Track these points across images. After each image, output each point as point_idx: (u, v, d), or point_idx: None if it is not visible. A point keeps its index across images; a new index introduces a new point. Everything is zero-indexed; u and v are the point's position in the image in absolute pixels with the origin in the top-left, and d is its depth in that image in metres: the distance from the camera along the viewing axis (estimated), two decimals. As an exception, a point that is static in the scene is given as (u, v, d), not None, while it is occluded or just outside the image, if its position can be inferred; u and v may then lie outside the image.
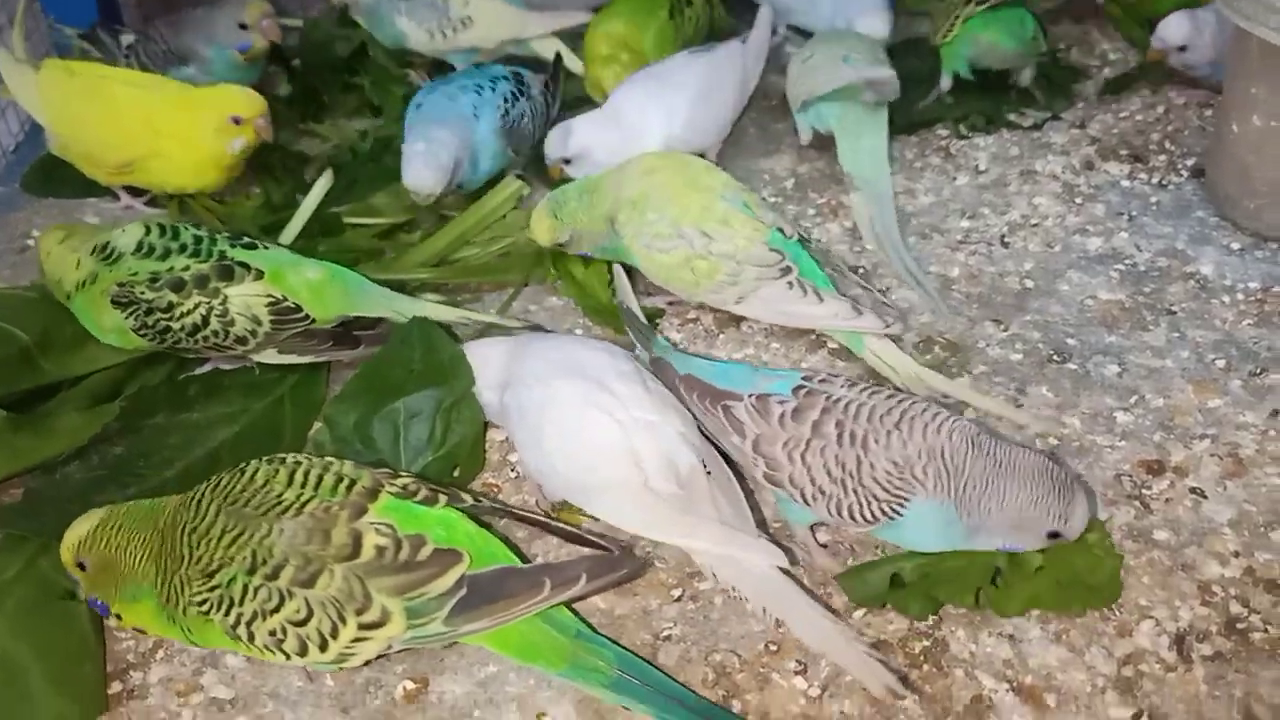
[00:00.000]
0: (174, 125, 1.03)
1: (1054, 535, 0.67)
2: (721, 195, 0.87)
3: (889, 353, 0.85)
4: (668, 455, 0.72)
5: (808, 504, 0.70)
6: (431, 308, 0.90)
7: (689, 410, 0.77)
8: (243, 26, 1.21)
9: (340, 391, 0.85)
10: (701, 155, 1.06)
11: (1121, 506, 0.76)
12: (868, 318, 0.84)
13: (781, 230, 0.87)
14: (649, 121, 1.08)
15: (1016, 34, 1.17)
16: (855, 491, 0.68)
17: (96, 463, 0.82)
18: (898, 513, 0.68)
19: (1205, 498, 0.76)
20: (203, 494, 0.67)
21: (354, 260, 0.99)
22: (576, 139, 1.07)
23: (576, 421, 0.73)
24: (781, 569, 0.69)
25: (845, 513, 0.69)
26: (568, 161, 1.08)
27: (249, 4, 1.21)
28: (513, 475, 0.82)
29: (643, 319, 0.88)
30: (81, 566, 0.67)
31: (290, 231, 1.05)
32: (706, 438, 0.76)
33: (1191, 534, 0.74)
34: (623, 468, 0.71)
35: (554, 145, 1.09)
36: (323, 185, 1.09)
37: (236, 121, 1.03)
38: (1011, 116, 1.20)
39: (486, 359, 0.82)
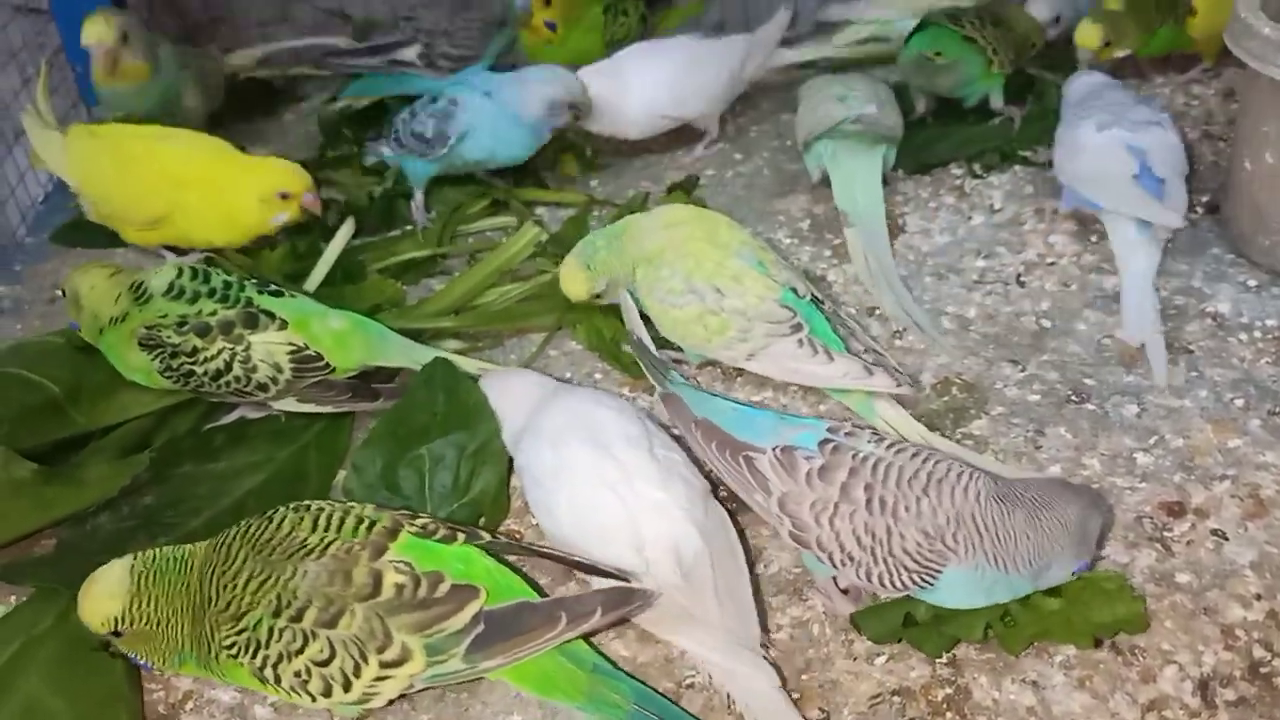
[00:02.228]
0: (217, 185, 1.04)
1: (1099, 528, 0.69)
2: (736, 252, 0.89)
3: (897, 418, 0.86)
4: (672, 539, 0.71)
5: (835, 567, 0.70)
6: (452, 359, 0.91)
7: (703, 458, 0.76)
8: None
9: (366, 437, 0.86)
10: (687, 124, 1.25)
11: (1143, 549, 0.76)
12: (879, 377, 0.84)
13: (794, 289, 0.88)
14: (635, 81, 1.21)
15: (917, 51, 1.21)
16: (885, 560, 0.68)
17: (126, 513, 0.83)
18: (929, 582, 0.68)
19: (1226, 539, 0.76)
20: (231, 539, 0.68)
21: (376, 307, 1.01)
22: (591, 88, 1.18)
23: (586, 498, 0.74)
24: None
25: (875, 579, 0.69)
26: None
27: None
28: (534, 522, 0.82)
29: (655, 351, 0.88)
30: (116, 633, 0.67)
31: (314, 279, 1.07)
32: (711, 483, 0.76)
33: (1214, 577, 0.74)
34: (627, 554, 0.71)
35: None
36: (345, 233, 1.11)
37: (284, 197, 1.04)
38: (1025, 153, 1.21)
39: (513, 400, 0.83)
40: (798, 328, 0.86)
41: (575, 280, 0.93)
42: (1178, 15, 1.24)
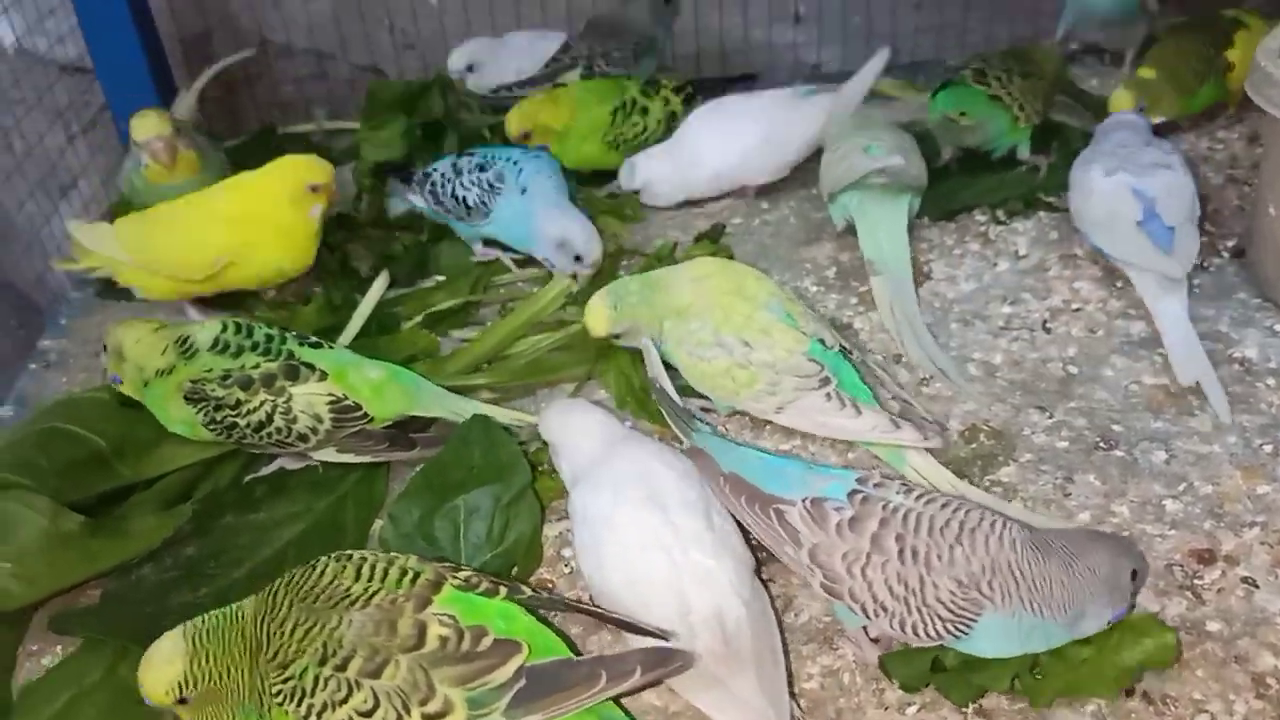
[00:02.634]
0: (256, 211, 1.07)
1: (1134, 575, 0.68)
2: (764, 304, 0.90)
3: (926, 466, 0.87)
4: (717, 607, 0.71)
5: (868, 618, 0.70)
6: (486, 409, 0.93)
7: (733, 512, 0.77)
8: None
9: (404, 489, 0.88)
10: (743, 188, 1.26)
11: (1173, 598, 0.76)
12: (907, 431, 0.84)
13: (823, 341, 0.89)
14: (704, 152, 1.22)
15: (941, 111, 1.21)
16: (919, 610, 0.68)
17: (169, 564, 0.85)
18: (964, 631, 0.68)
19: (1257, 587, 0.77)
20: (277, 588, 0.70)
21: (410, 358, 1.03)
22: (641, 173, 1.23)
23: (637, 554, 0.74)
24: None
25: (909, 629, 0.69)
26: (636, 193, 1.25)
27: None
28: (567, 571, 0.84)
29: (678, 401, 0.89)
30: (182, 700, 0.68)
31: (349, 332, 1.09)
32: (751, 547, 0.77)
33: (1244, 625, 0.74)
34: (671, 618, 0.71)
35: (624, 179, 1.25)
36: (379, 286, 1.14)
37: (314, 189, 1.07)
38: (1050, 199, 1.22)
39: (576, 436, 0.84)
40: (825, 381, 0.87)
41: (598, 317, 0.95)
42: (1216, 73, 1.25)
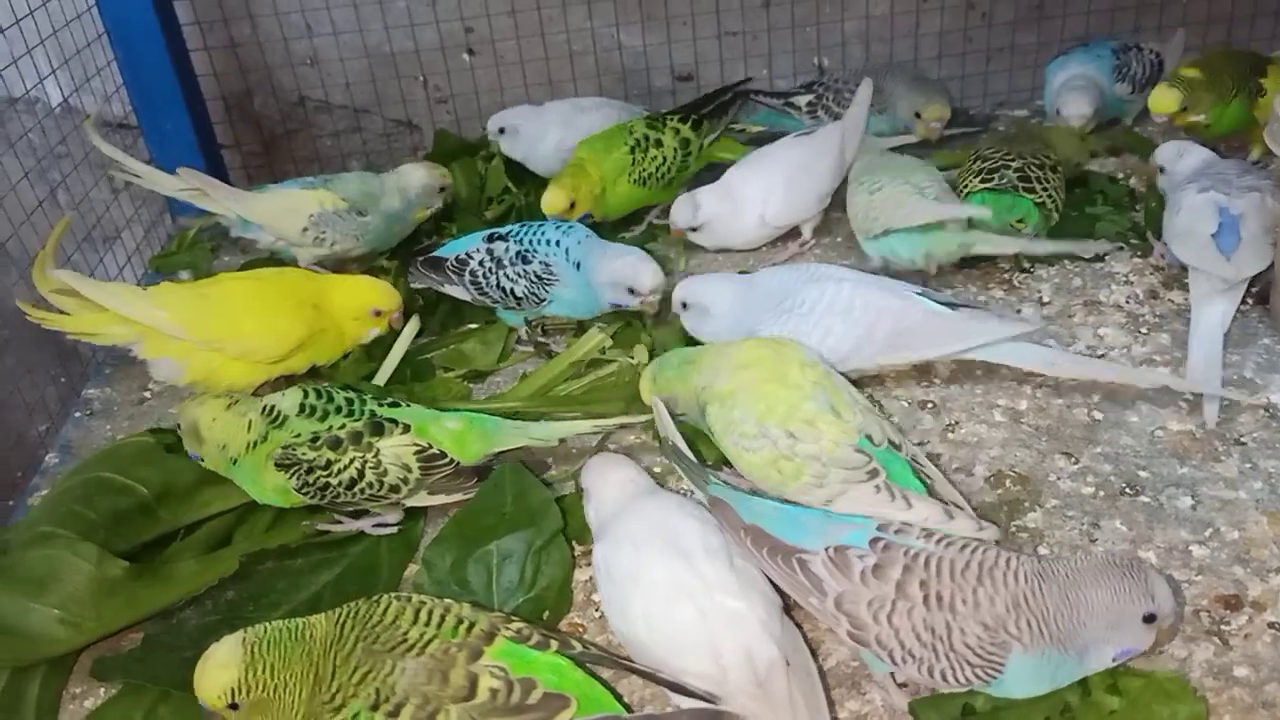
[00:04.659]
0: (327, 306, 1.07)
1: (1150, 618, 0.68)
2: (810, 395, 0.87)
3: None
4: (748, 649, 0.72)
5: (896, 665, 0.71)
6: (562, 427, 0.94)
7: (756, 564, 0.77)
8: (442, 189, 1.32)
9: (438, 534, 0.90)
10: (797, 228, 1.31)
11: (1200, 643, 0.77)
12: (961, 520, 0.82)
13: (870, 437, 0.86)
14: (749, 197, 1.27)
15: (1002, 217, 1.19)
16: (948, 656, 0.69)
17: (210, 608, 0.87)
18: (994, 675, 0.68)
19: (1285, 633, 0.77)
20: (345, 618, 0.71)
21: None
22: (704, 210, 1.27)
23: (664, 605, 0.74)
24: None
25: (938, 676, 0.69)
26: (694, 229, 1.28)
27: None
28: (597, 615, 0.85)
29: (690, 456, 0.90)
30: (233, 705, 0.68)
31: (383, 374, 1.11)
32: (778, 591, 0.77)
33: (1271, 670, 0.74)
34: (703, 662, 0.72)
35: (682, 215, 1.28)
36: (410, 330, 1.16)
37: (377, 314, 1.09)
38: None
39: (608, 488, 0.86)
40: (874, 473, 0.83)
41: (642, 385, 0.97)
42: (1249, 92, 1.28)
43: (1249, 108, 1.28)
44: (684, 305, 1.08)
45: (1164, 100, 1.25)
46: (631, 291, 1.09)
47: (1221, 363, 1.00)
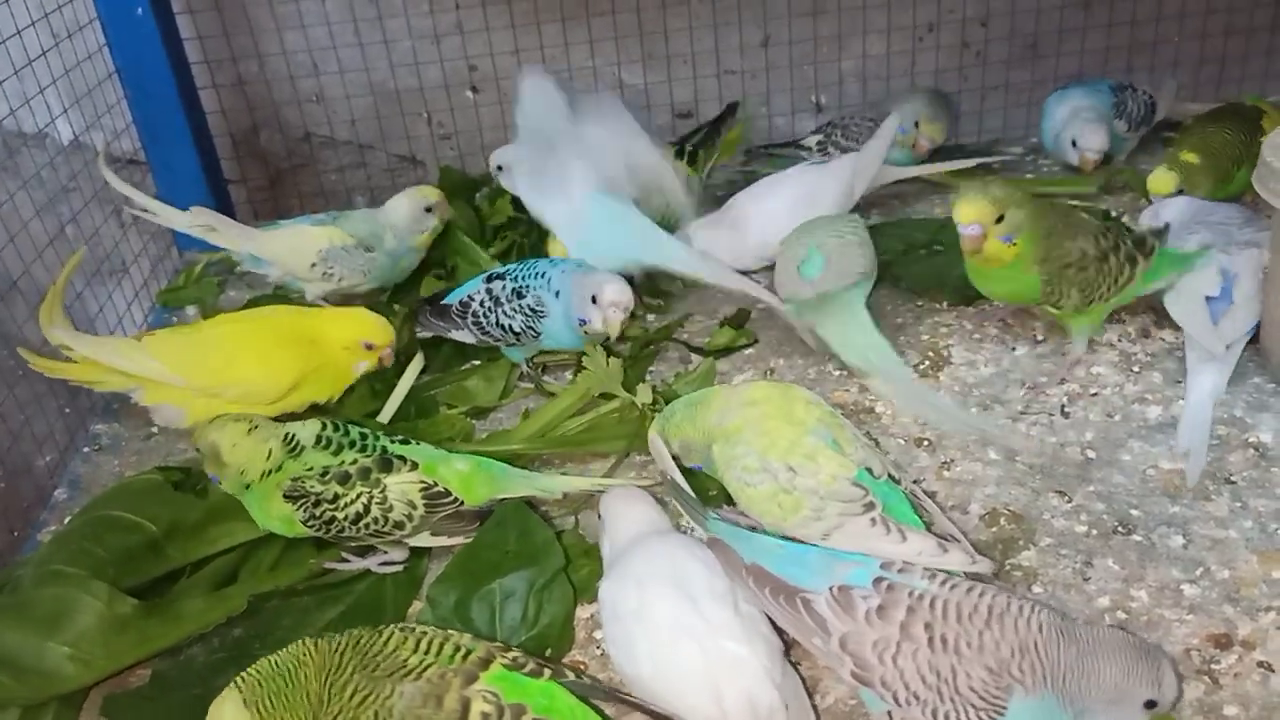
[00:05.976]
0: (320, 341, 1.09)
1: (1151, 704, 0.68)
2: (812, 430, 0.88)
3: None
4: (750, 694, 0.73)
5: (899, 706, 0.71)
6: (566, 481, 0.96)
7: (758, 604, 0.78)
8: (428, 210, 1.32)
9: (442, 572, 0.91)
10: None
11: (1191, 682, 0.78)
12: (954, 554, 0.83)
13: (870, 469, 0.87)
14: (752, 223, 1.30)
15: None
16: (952, 700, 0.69)
17: (217, 645, 0.89)
18: (995, 718, 0.69)
19: (1273, 671, 0.78)
20: (344, 647, 0.73)
21: (447, 440, 1.07)
22: (697, 242, 1.29)
23: (668, 647, 0.76)
24: None
25: (941, 718, 0.70)
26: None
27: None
28: (598, 653, 0.87)
29: (690, 493, 0.92)
30: None
31: (387, 411, 1.13)
32: (780, 634, 0.78)
33: (1261, 709, 0.76)
34: (705, 704, 0.73)
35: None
36: (414, 369, 1.18)
37: (369, 347, 1.10)
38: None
39: (622, 521, 0.87)
40: (870, 506, 0.84)
41: (650, 436, 0.98)
42: (1251, 160, 1.29)
43: (1249, 175, 1.30)
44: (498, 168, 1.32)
45: (1161, 182, 1.26)
46: (594, 301, 1.10)
47: (1209, 429, 1.00)
